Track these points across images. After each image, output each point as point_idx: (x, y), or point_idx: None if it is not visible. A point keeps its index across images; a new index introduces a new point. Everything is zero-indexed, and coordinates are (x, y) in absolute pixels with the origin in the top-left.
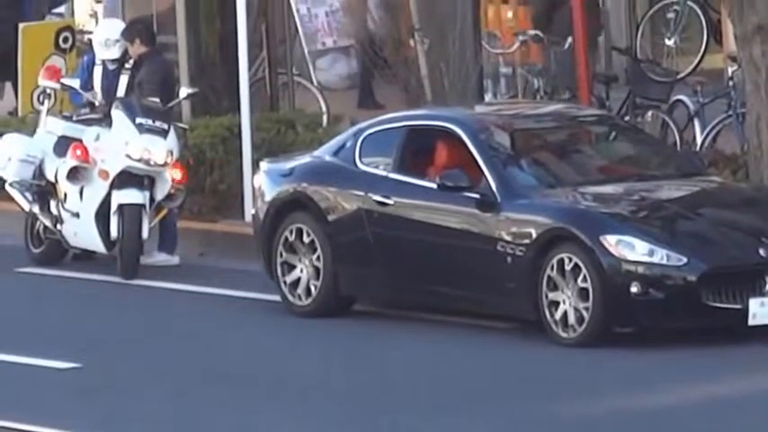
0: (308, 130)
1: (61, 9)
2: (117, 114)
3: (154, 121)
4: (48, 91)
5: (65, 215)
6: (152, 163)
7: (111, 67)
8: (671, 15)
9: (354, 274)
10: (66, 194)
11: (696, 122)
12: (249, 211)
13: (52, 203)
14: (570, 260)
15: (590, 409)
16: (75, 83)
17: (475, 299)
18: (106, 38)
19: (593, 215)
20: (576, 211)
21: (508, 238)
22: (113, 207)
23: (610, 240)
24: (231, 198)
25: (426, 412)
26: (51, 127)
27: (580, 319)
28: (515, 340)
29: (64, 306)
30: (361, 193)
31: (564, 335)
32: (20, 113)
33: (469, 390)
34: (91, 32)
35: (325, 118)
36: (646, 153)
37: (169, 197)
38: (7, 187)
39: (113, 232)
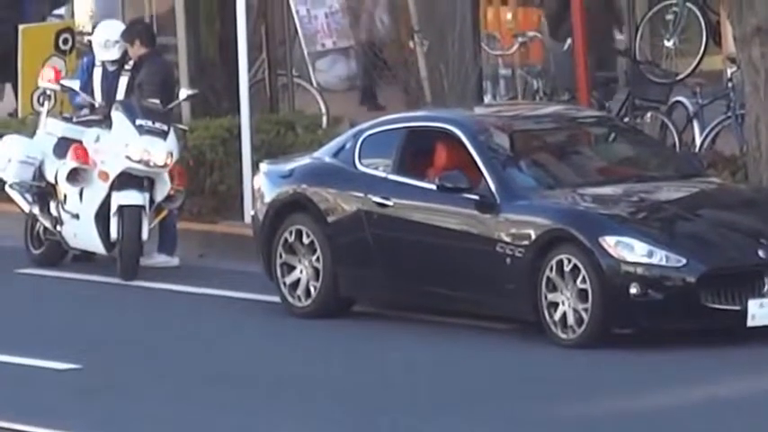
0: (308, 132)
1: (61, 11)
2: (117, 116)
3: (154, 123)
4: (48, 92)
5: (65, 216)
6: (152, 164)
7: (110, 68)
8: (670, 17)
9: (354, 275)
10: (65, 196)
11: (695, 124)
12: (249, 213)
13: (52, 205)
14: (569, 261)
15: (589, 410)
16: (75, 84)
17: (474, 300)
18: (106, 39)
19: (592, 216)
20: (576, 212)
21: (507, 239)
22: (113, 208)
23: (609, 241)
24: (231, 199)
25: (426, 412)
26: (51, 128)
27: (579, 320)
28: (515, 341)
29: (64, 307)
30: (361, 195)
31: (563, 336)
32: (20, 115)
33: (469, 390)
34: (90, 34)
35: (324, 119)
36: (645, 154)
37: (169, 198)
38: (7, 188)
39: (113, 233)
